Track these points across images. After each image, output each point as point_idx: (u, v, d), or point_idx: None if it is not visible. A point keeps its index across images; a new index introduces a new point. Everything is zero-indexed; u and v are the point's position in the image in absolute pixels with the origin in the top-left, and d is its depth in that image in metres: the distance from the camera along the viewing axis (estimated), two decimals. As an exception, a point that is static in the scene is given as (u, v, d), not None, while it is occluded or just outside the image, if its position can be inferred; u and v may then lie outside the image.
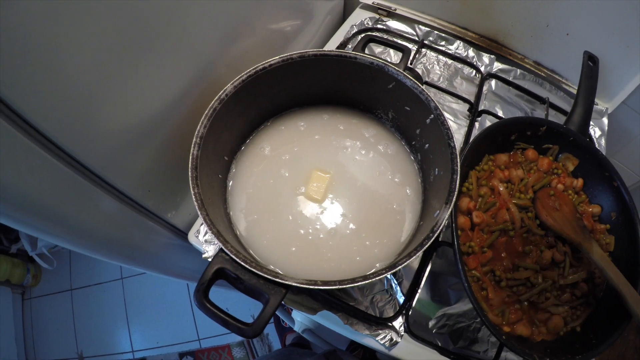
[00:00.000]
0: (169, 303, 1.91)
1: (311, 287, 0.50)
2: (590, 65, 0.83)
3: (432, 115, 0.63)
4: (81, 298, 1.96)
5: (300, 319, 0.99)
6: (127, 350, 1.85)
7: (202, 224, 0.78)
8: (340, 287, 0.51)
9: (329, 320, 0.73)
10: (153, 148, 0.65)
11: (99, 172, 0.57)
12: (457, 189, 0.57)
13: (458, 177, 0.57)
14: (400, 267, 0.52)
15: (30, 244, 1.79)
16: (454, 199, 0.56)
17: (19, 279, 1.89)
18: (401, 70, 0.64)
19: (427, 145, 0.68)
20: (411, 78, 0.63)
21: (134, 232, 0.74)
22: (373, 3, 1.05)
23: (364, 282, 0.51)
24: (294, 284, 0.50)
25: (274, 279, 0.50)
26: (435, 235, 0.53)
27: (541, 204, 0.70)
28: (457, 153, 0.59)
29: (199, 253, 0.77)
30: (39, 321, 1.93)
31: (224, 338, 1.82)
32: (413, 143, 0.73)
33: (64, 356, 1.85)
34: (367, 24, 1.04)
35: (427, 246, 0.53)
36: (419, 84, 0.63)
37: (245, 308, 1.72)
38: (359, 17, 1.06)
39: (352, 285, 0.51)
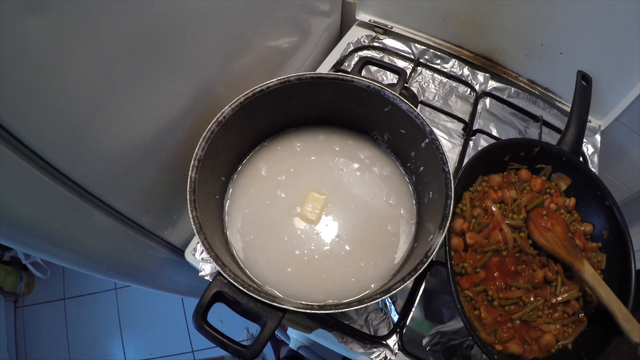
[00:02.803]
0: (163, 314, 1.90)
1: (308, 311, 0.51)
2: (584, 84, 0.84)
3: (427, 140, 0.64)
4: (74, 307, 1.95)
5: (295, 336, 0.99)
6: (121, 361, 1.84)
7: (198, 242, 0.78)
8: (336, 311, 0.51)
9: (324, 338, 0.74)
10: (151, 169, 0.66)
11: (97, 193, 0.58)
12: (451, 214, 0.58)
13: (452, 202, 0.58)
14: (394, 291, 0.52)
15: (24, 252, 1.78)
16: (447, 224, 0.57)
17: (11, 286, 1.87)
18: (397, 94, 0.65)
19: (422, 168, 0.69)
20: (407, 102, 0.64)
21: (130, 250, 0.74)
22: (370, 21, 1.06)
23: (359, 307, 0.52)
24: (291, 308, 0.51)
25: (271, 303, 0.51)
26: (429, 260, 0.54)
27: (534, 224, 0.71)
28: (452, 178, 0.60)
29: (195, 269, 0.77)
30: (31, 330, 1.91)
31: (218, 350, 1.79)
32: (408, 165, 0.74)
33: (56, 366, 1.83)
34: (364, 41, 1.05)
35: (420, 271, 0.54)
36: (415, 108, 0.64)
37: (240, 320, 1.71)
38: (356, 34, 1.07)
39: (348, 309, 0.52)
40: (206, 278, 0.74)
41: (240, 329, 1.77)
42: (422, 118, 0.64)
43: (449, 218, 0.57)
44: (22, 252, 1.76)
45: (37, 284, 2.00)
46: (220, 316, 1.74)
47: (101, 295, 1.96)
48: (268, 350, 1.78)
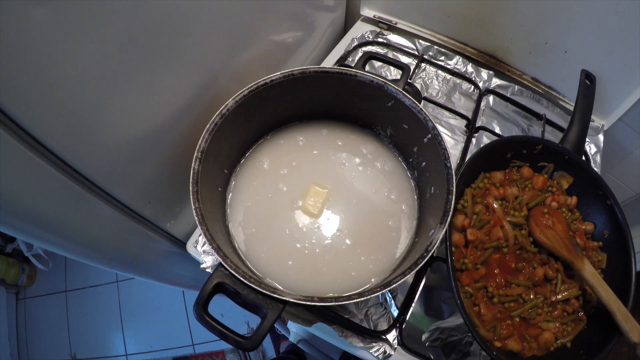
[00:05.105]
0: (164, 307, 1.90)
1: (308, 303, 0.51)
2: (587, 84, 0.84)
3: (430, 135, 0.64)
4: (76, 300, 1.96)
5: (295, 330, 0.99)
6: (121, 354, 1.84)
7: (200, 235, 0.78)
8: (337, 304, 0.52)
9: (323, 332, 0.74)
10: (155, 161, 0.66)
11: (101, 184, 0.58)
12: (452, 210, 0.58)
13: (453, 198, 0.58)
14: (394, 285, 0.53)
15: (26, 244, 1.78)
16: (448, 219, 0.57)
17: (13, 278, 1.88)
18: (400, 89, 0.65)
19: (424, 163, 0.69)
20: (410, 97, 0.64)
21: (132, 242, 0.75)
22: (374, 16, 1.06)
23: (359, 299, 0.52)
24: (291, 299, 0.51)
25: (272, 294, 0.51)
26: (430, 255, 0.54)
27: (535, 222, 0.71)
28: (454, 174, 0.60)
29: (196, 262, 0.77)
30: (32, 322, 1.92)
31: (218, 344, 1.81)
32: (410, 160, 0.74)
33: (57, 358, 1.84)
34: (368, 37, 1.05)
35: (421, 265, 0.54)
36: (418, 104, 0.64)
37: (240, 314, 1.72)
38: (360, 30, 1.07)
39: (348, 302, 0.52)
40: (207, 270, 0.74)
41: (240, 322, 1.78)
42: (425, 113, 0.64)
43: (450, 213, 0.57)
44: (24, 243, 1.76)
45: (39, 276, 2.01)
46: (221, 310, 1.75)
47: (102, 288, 1.97)
48: (268, 345, 1.79)
